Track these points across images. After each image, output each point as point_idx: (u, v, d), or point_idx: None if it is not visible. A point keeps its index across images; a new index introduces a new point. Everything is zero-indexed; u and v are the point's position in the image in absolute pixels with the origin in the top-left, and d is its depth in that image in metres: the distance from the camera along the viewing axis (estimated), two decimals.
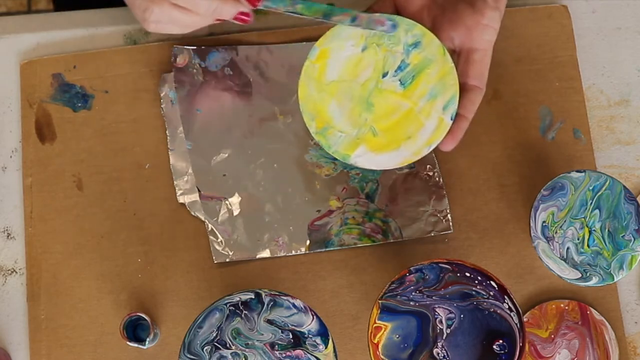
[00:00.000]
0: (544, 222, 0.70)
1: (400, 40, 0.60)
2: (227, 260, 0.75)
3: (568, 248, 0.70)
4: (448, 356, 0.63)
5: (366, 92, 0.61)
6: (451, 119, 0.62)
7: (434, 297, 0.64)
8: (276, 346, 0.62)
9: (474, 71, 0.63)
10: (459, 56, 0.64)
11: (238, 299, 0.63)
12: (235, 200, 0.76)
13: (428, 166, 0.77)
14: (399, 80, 0.61)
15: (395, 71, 0.60)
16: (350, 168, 0.77)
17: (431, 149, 0.63)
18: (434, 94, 0.60)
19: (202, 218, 0.76)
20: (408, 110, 0.61)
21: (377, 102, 0.61)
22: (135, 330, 0.73)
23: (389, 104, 0.61)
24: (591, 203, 0.71)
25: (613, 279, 0.69)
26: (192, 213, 0.76)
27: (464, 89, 0.63)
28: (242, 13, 0.60)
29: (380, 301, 0.64)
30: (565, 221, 0.70)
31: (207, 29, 0.80)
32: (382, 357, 0.63)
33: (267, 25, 0.80)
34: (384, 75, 0.60)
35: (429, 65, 0.60)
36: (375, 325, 0.64)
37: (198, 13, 0.59)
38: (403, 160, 0.62)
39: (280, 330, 0.63)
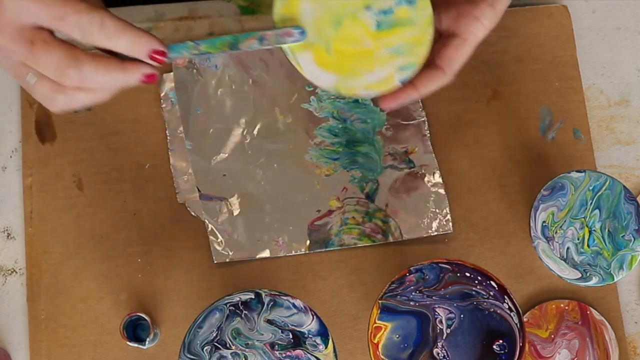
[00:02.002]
0: (544, 222, 0.70)
1: None
2: (227, 260, 0.75)
3: (568, 248, 0.70)
4: (448, 356, 0.63)
5: (342, 12, 0.59)
6: (400, 83, 0.61)
7: (434, 297, 0.64)
8: (276, 346, 0.62)
9: (446, 54, 0.62)
10: (440, 37, 0.64)
11: (238, 299, 0.63)
12: (235, 200, 0.76)
13: (428, 166, 0.77)
14: (377, 21, 0.59)
15: (379, 12, 0.59)
16: (349, 168, 0.77)
17: (365, 94, 0.61)
18: (399, 51, 0.59)
19: (202, 218, 0.76)
20: (368, 50, 0.60)
21: (347, 26, 0.59)
22: (135, 330, 0.73)
23: (355, 34, 0.59)
24: (591, 203, 0.71)
25: (613, 279, 0.70)
26: (192, 213, 0.76)
27: (429, 66, 0.62)
28: (147, 75, 0.56)
29: (380, 301, 0.64)
30: (565, 221, 0.70)
31: (207, 28, 0.80)
32: (382, 357, 0.63)
33: (267, 25, 0.80)
34: (367, 8, 0.59)
35: (410, 25, 0.59)
36: (375, 325, 0.64)
37: (103, 90, 0.56)
38: (334, 86, 0.60)
39: (280, 330, 0.63)
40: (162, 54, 0.55)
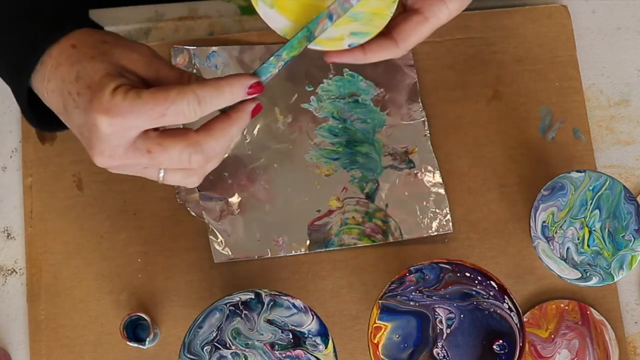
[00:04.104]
0: (544, 222, 0.70)
1: None
2: (227, 260, 0.75)
3: (568, 248, 0.70)
4: (448, 356, 0.63)
5: None
6: (348, 46, 0.60)
7: (434, 297, 0.64)
8: (276, 346, 0.62)
9: (404, 28, 0.61)
10: (403, 11, 0.63)
11: (238, 299, 0.63)
12: (235, 200, 0.76)
13: (428, 166, 0.77)
14: None
15: None
16: (349, 168, 0.77)
17: (311, 46, 0.60)
18: (357, 17, 0.59)
19: (202, 218, 0.76)
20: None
21: None
22: (135, 330, 0.73)
23: None
24: (591, 203, 0.71)
25: (613, 279, 0.69)
26: (192, 213, 0.76)
27: (384, 35, 0.61)
28: (254, 110, 0.57)
29: (380, 301, 0.64)
30: (565, 221, 0.70)
31: (207, 28, 0.80)
32: (382, 357, 0.63)
33: (267, 25, 0.80)
34: None
35: None
36: (375, 325, 0.64)
37: (226, 149, 0.58)
38: (284, 31, 0.60)
39: (280, 330, 0.63)
40: (258, 85, 0.56)
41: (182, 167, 0.55)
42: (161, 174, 0.56)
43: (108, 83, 0.53)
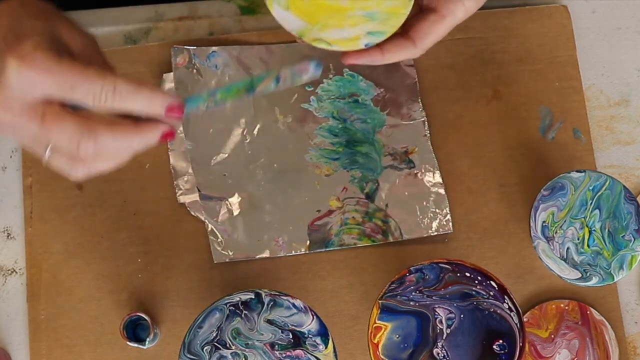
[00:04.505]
0: (544, 222, 0.70)
1: None
2: (227, 260, 0.75)
3: (568, 248, 0.70)
4: (448, 356, 0.63)
5: None
6: (365, 46, 0.60)
7: (434, 297, 0.64)
8: (276, 346, 0.62)
9: (421, 27, 0.61)
10: (420, 11, 0.63)
11: (238, 299, 0.63)
12: (235, 200, 0.76)
13: (428, 166, 0.77)
14: None
15: None
16: (349, 168, 0.77)
17: (327, 48, 0.60)
18: (373, 16, 0.59)
19: (202, 218, 0.76)
20: (343, 7, 0.59)
21: None
22: (135, 330, 0.73)
23: None
24: (591, 203, 0.71)
25: (613, 279, 0.69)
26: (192, 213, 0.76)
27: (402, 35, 0.61)
28: (166, 134, 0.54)
29: (380, 301, 0.64)
30: (565, 221, 0.70)
31: (207, 28, 0.80)
32: (382, 357, 0.63)
33: (267, 25, 0.80)
34: None
35: None
36: (375, 325, 0.64)
37: (121, 156, 0.54)
38: (299, 32, 0.59)
39: (280, 330, 0.63)
40: (179, 109, 0.53)
41: (70, 151, 0.52)
42: (47, 153, 0.53)
43: (36, 38, 0.51)
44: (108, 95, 0.51)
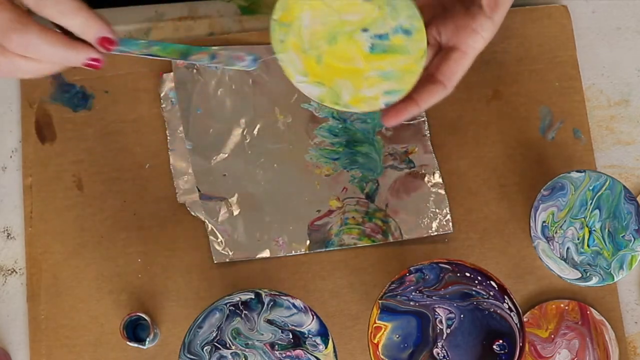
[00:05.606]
0: (544, 222, 0.70)
1: (399, 18, 0.60)
2: (227, 260, 0.75)
3: (568, 248, 0.70)
4: (448, 356, 0.63)
5: (340, 29, 0.60)
6: (384, 105, 0.61)
7: (434, 297, 0.64)
8: (276, 346, 0.62)
9: (446, 67, 0.62)
10: (439, 50, 0.64)
11: (238, 299, 0.63)
12: (235, 200, 0.76)
13: (428, 166, 0.77)
14: (372, 43, 0.60)
15: (375, 36, 0.60)
16: (349, 168, 0.77)
17: (348, 109, 0.61)
18: (388, 76, 0.60)
19: (202, 218, 0.76)
20: (358, 69, 0.60)
21: (341, 43, 0.60)
22: (135, 330, 0.73)
23: (348, 53, 0.60)
24: (591, 203, 0.71)
25: (613, 279, 0.69)
26: (192, 213, 0.76)
27: (430, 80, 0.63)
28: (92, 59, 0.55)
29: (380, 301, 0.64)
30: (565, 221, 0.70)
31: (207, 28, 0.80)
32: (382, 357, 0.63)
33: (267, 25, 0.80)
34: (364, 30, 0.60)
35: (403, 54, 0.60)
36: (375, 325, 0.64)
37: (46, 63, 0.55)
38: (319, 97, 0.60)
39: (280, 330, 0.63)
40: (111, 42, 0.55)
41: None
42: None
43: None
44: (50, 2, 0.52)
